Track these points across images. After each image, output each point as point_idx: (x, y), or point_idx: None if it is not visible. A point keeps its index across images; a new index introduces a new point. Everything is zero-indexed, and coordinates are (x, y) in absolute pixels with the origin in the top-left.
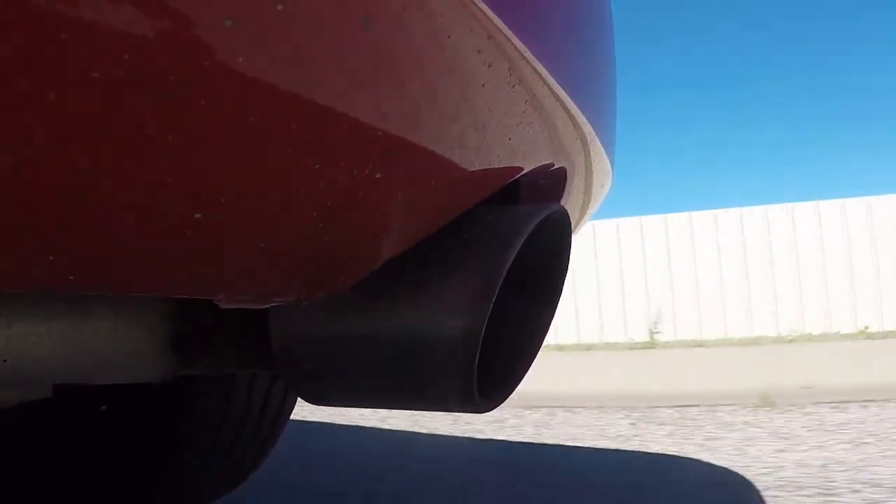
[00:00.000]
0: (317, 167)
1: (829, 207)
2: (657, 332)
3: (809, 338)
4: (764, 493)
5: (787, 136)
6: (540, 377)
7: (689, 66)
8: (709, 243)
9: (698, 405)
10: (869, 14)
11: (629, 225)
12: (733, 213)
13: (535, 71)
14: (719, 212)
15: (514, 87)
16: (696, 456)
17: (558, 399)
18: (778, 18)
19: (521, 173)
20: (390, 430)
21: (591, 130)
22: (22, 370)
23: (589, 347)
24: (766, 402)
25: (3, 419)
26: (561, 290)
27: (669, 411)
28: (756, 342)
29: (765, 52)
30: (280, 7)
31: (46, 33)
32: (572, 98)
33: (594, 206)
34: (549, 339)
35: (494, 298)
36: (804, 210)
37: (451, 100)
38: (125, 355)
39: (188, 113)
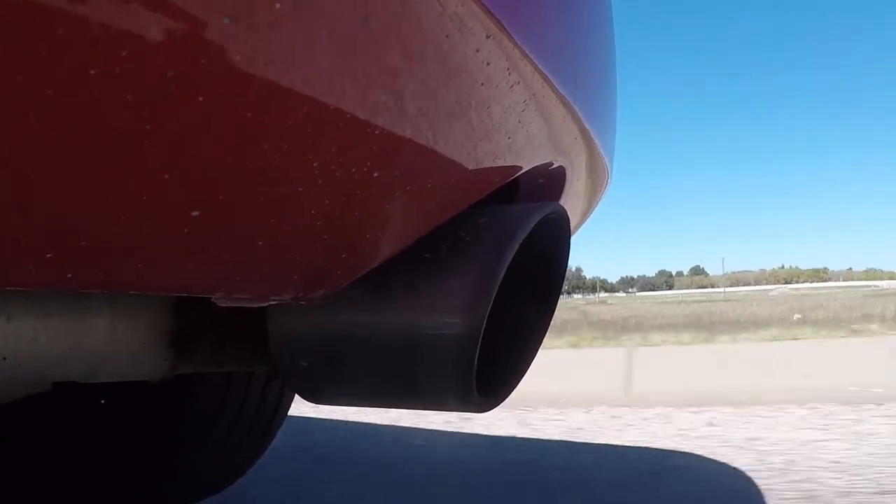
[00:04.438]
0: (315, 165)
1: None
2: None
3: None
4: None
5: None
6: None
7: None
8: None
9: None
10: None
11: None
12: None
13: (534, 70)
14: None
15: (512, 86)
16: None
17: None
18: None
19: (520, 172)
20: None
21: (591, 129)
22: (21, 367)
23: None
24: None
25: (2, 416)
26: (560, 289)
27: None
28: None
29: None
30: (278, 6)
31: (44, 31)
32: (571, 97)
33: (594, 204)
34: None
35: (493, 297)
36: None
37: (450, 99)
38: (123, 353)
39: (186, 111)
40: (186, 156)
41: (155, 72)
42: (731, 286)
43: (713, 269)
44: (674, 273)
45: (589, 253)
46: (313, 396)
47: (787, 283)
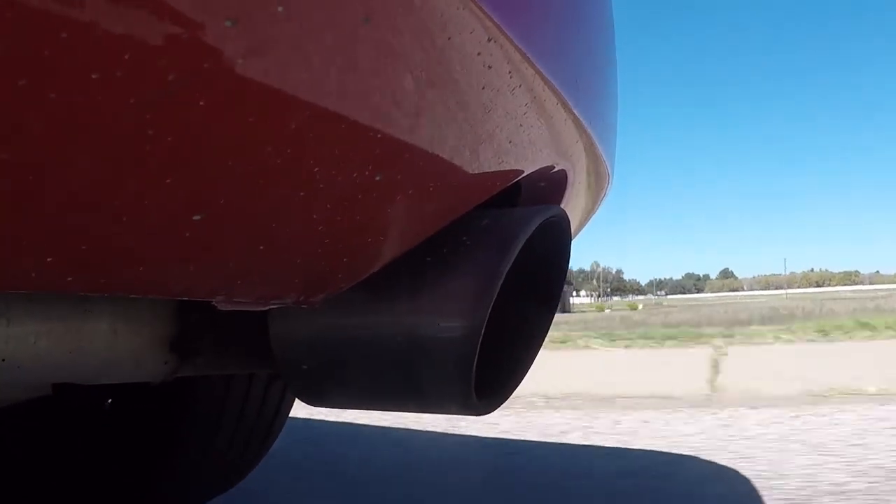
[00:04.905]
0: (316, 169)
1: None
2: None
3: None
4: None
5: None
6: None
7: None
8: None
9: None
10: None
11: None
12: None
13: (536, 73)
14: None
15: (514, 89)
16: None
17: None
18: None
19: (522, 176)
20: None
21: (592, 132)
22: (21, 370)
23: None
24: None
25: (2, 418)
26: (560, 292)
27: None
28: None
29: None
30: (280, 8)
31: (46, 33)
32: (572, 100)
33: (595, 207)
34: None
35: (493, 300)
36: None
37: (452, 102)
38: (124, 356)
39: (188, 114)
40: (188, 159)
41: (156, 75)
42: (762, 289)
43: (741, 273)
44: (700, 276)
45: (622, 255)
46: (314, 399)
47: (818, 286)
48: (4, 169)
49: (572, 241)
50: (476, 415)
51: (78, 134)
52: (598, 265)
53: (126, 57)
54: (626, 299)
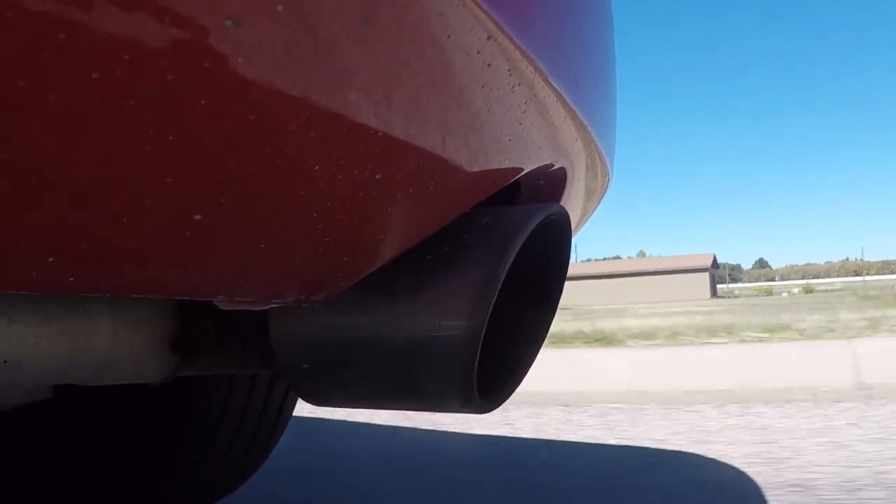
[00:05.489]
0: (316, 168)
1: None
2: None
3: None
4: None
5: None
6: None
7: None
8: None
9: None
10: None
11: None
12: None
13: (535, 71)
14: None
15: (513, 87)
16: None
17: None
18: None
19: (521, 174)
20: None
21: (591, 130)
22: (22, 372)
23: None
24: None
25: (4, 420)
26: (561, 290)
27: None
28: None
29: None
30: (280, 8)
31: (46, 34)
32: (572, 98)
33: (594, 206)
34: None
35: (494, 299)
36: None
37: (451, 100)
38: (125, 356)
39: (188, 113)
40: (188, 159)
41: (156, 75)
42: (800, 279)
43: (775, 263)
44: (732, 265)
45: (653, 245)
46: (315, 398)
47: (856, 275)
48: (4, 169)
49: (572, 239)
50: (478, 413)
51: (78, 134)
52: (643, 254)
53: (126, 57)
54: None
